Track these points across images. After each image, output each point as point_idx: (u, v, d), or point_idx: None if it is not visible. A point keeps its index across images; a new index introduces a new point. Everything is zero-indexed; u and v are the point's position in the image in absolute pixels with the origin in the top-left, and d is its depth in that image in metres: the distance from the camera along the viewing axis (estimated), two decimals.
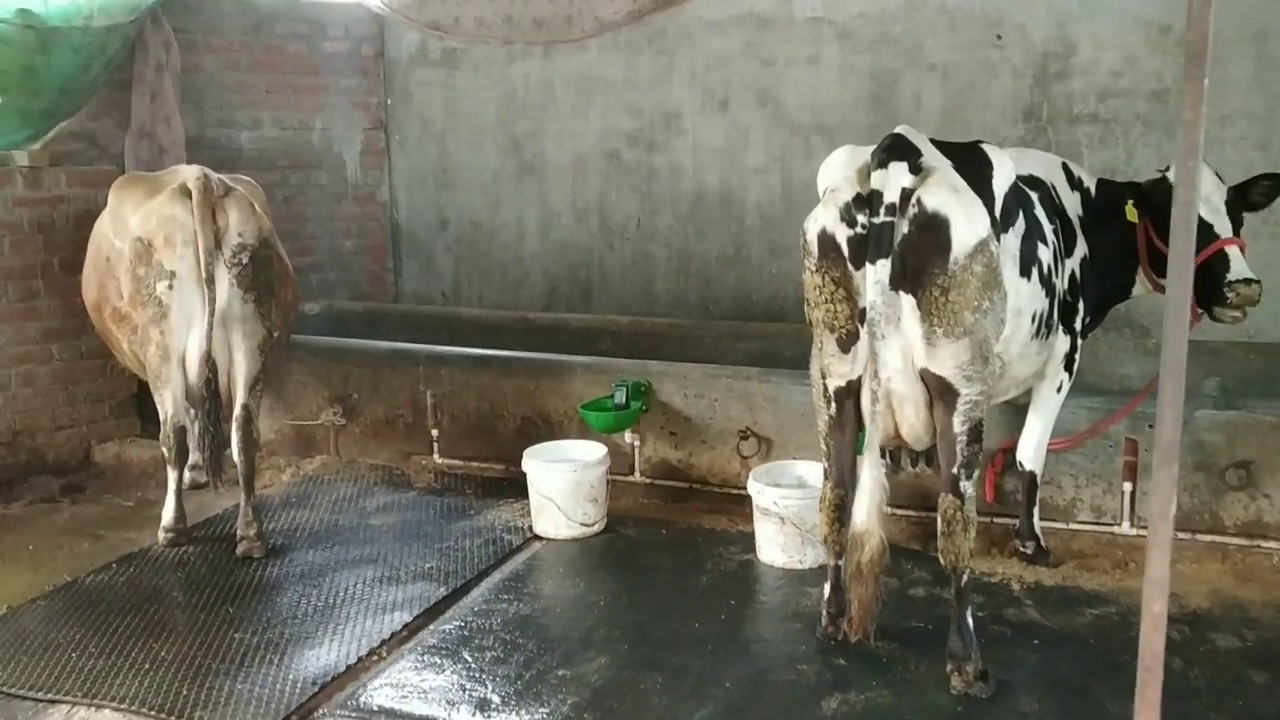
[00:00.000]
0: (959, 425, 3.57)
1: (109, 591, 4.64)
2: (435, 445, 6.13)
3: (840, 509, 3.82)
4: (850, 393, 3.72)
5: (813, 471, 5.00)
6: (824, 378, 3.79)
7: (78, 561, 5.02)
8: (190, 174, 4.86)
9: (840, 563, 3.92)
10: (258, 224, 4.87)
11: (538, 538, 5.16)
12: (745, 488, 4.95)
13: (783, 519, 4.70)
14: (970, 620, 3.70)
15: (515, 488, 5.63)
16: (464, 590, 4.60)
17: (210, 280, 4.71)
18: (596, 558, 4.96)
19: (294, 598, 4.55)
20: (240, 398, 4.91)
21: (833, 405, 3.78)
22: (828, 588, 4.03)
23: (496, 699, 3.70)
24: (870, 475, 3.57)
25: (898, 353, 3.57)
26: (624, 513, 5.42)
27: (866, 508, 3.57)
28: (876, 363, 3.52)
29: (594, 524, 5.17)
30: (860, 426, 3.75)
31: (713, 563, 4.83)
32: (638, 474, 5.69)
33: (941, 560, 3.66)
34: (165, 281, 4.72)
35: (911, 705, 3.60)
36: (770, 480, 4.93)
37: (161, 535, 5.14)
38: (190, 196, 4.74)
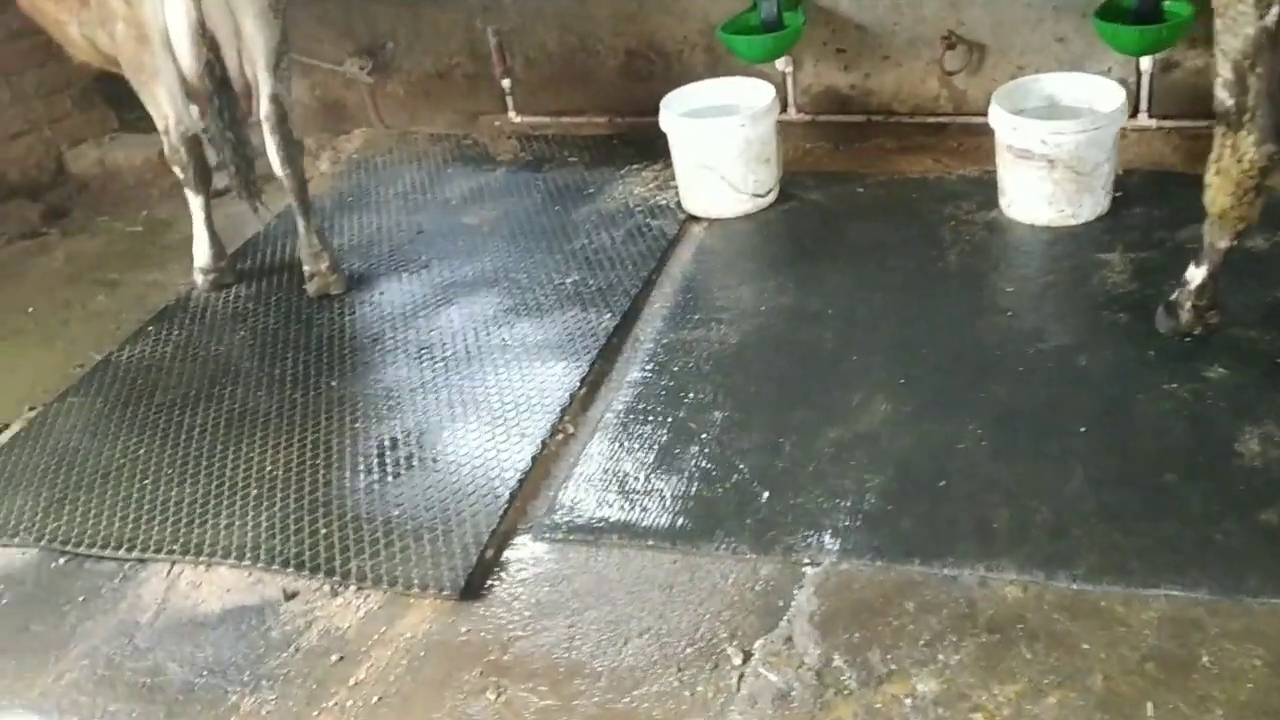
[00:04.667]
0: None
1: (160, 373, 3.45)
2: (509, 100, 4.69)
3: (1265, 175, 2.53)
4: None
5: (1065, 87, 3.69)
6: None
7: (98, 326, 3.83)
8: None
9: (1235, 244, 2.72)
10: None
11: (694, 218, 3.90)
12: (944, 115, 3.65)
13: (1052, 161, 3.42)
14: None
15: (633, 148, 4.33)
16: (634, 313, 3.42)
17: None
18: (788, 242, 3.72)
19: (409, 354, 3.35)
20: (265, 85, 3.43)
21: (1275, 9, 2.37)
22: (1203, 273, 2.82)
23: (765, 493, 2.62)
24: None
25: None
26: (789, 168, 4.10)
27: None
28: None
29: (768, 192, 3.88)
30: None
31: (949, 231, 3.60)
32: (792, 110, 4.31)
33: None
34: None
35: None
36: (1012, 105, 3.59)
37: (199, 279, 3.87)
38: None
